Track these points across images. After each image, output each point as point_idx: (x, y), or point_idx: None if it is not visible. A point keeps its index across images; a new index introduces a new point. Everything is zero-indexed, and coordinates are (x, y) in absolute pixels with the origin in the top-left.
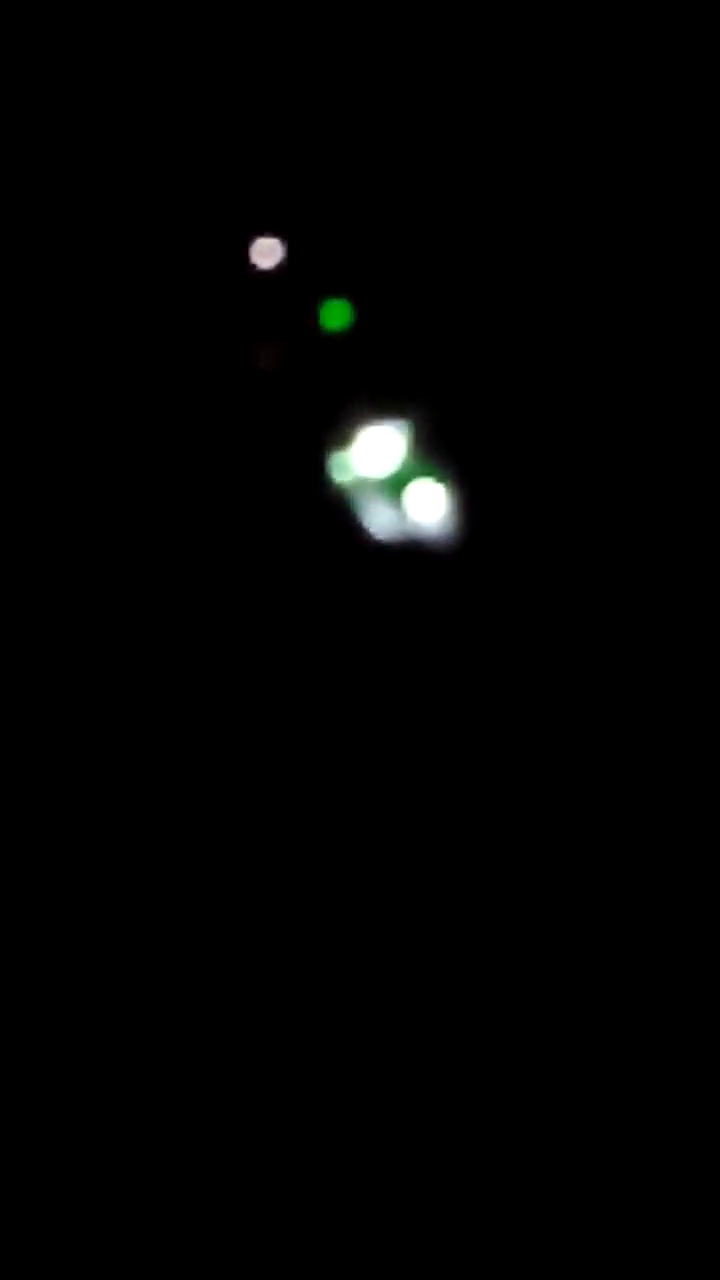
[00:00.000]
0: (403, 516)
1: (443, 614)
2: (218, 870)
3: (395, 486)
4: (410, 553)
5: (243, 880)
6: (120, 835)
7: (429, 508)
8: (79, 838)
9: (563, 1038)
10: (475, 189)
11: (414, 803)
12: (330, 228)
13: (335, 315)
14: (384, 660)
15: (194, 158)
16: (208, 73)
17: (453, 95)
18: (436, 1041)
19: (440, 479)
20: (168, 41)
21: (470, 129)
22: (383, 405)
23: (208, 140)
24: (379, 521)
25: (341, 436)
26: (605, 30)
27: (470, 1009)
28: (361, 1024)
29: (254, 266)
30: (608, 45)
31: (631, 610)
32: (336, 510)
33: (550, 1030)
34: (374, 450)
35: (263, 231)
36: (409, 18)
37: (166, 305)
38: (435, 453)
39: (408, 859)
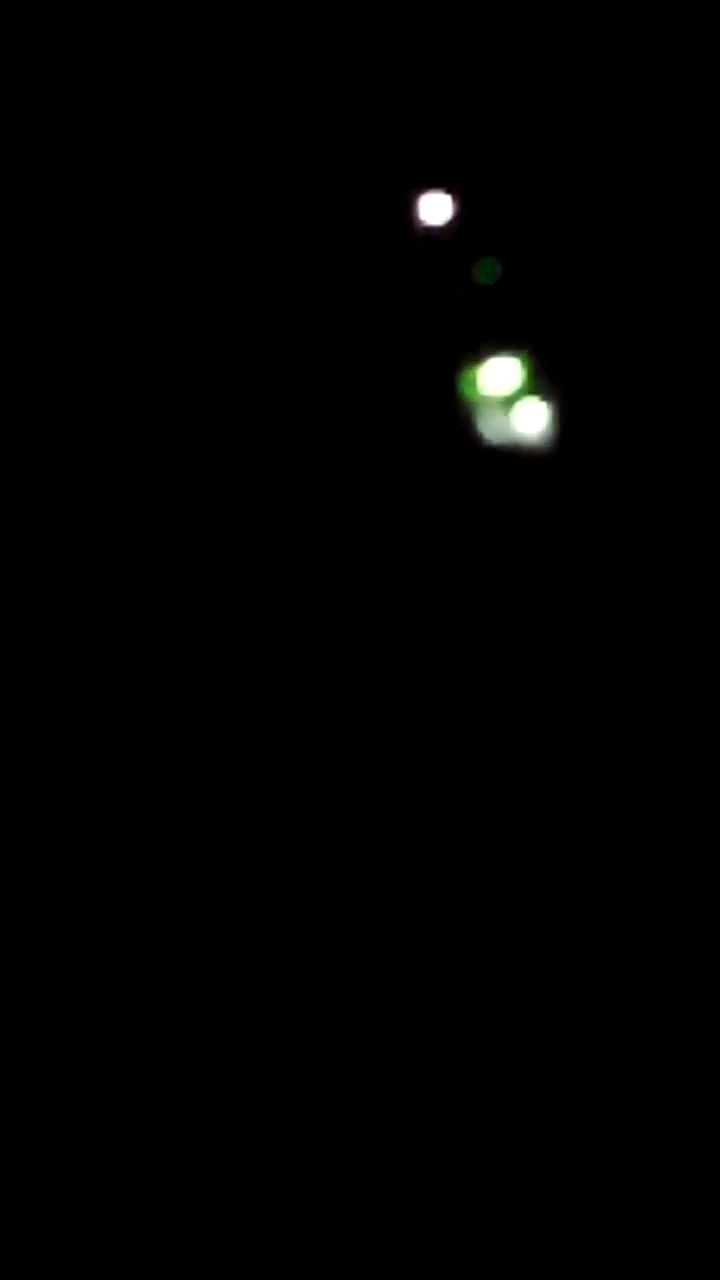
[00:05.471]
0: (512, 426)
1: (534, 514)
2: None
3: (509, 402)
4: (514, 455)
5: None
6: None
7: (534, 421)
8: (99, 829)
9: (563, 1037)
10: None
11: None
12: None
13: (485, 271)
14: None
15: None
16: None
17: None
18: (436, 1040)
19: (545, 400)
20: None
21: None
22: (507, 340)
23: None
24: (493, 427)
25: (474, 360)
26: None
27: (470, 1009)
28: (361, 1023)
29: (423, 222)
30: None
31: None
32: (463, 415)
33: (550, 1030)
34: (496, 373)
35: (433, 188)
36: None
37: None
38: (543, 380)
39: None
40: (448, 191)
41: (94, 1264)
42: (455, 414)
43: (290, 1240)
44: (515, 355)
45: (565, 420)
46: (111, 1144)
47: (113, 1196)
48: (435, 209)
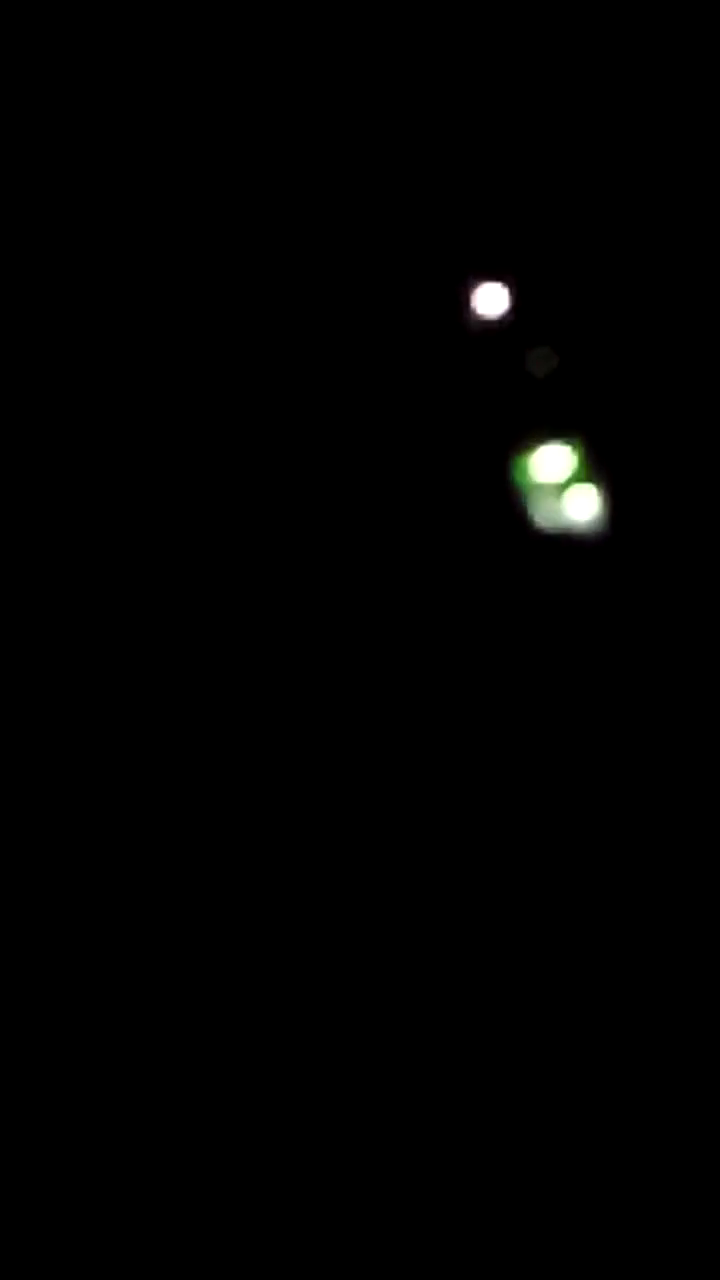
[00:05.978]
0: (564, 513)
1: (585, 596)
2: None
3: (561, 489)
4: (566, 541)
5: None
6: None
7: (586, 508)
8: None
9: (563, 1040)
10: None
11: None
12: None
13: (539, 361)
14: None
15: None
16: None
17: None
18: (437, 1042)
19: (598, 486)
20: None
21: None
22: (559, 428)
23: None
24: (545, 514)
25: (525, 447)
26: None
27: (471, 1010)
28: (362, 1025)
29: (477, 312)
30: None
31: None
32: (513, 502)
33: (551, 1032)
34: (549, 460)
35: (487, 277)
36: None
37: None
38: (596, 467)
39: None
40: (503, 283)
41: (94, 1264)
42: (508, 501)
43: (290, 1240)
44: (568, 443)
45: (618, 507)
46: (111, 1142)
47: (113, 1196)
48: (491, 300)
